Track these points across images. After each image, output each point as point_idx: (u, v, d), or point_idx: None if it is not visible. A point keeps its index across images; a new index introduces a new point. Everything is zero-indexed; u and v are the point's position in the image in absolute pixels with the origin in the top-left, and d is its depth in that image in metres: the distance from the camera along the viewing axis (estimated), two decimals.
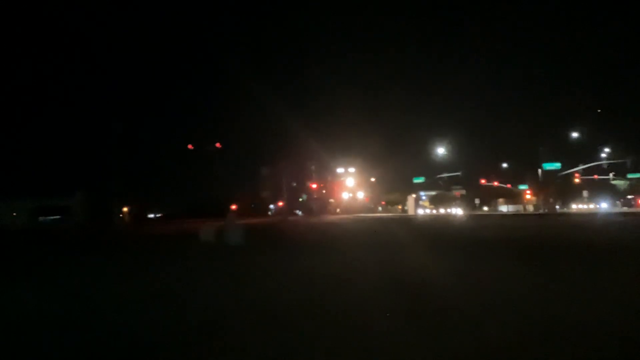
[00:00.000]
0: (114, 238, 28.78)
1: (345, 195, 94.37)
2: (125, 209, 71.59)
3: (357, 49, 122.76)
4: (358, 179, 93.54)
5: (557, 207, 76.80)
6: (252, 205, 79.53)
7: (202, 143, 69.91)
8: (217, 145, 67.87)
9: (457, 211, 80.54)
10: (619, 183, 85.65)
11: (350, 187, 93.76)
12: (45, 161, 66.13)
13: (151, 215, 77.04)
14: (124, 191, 66.79)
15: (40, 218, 67.96)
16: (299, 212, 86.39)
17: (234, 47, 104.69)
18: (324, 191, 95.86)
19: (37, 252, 20.05)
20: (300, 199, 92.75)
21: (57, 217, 68.74)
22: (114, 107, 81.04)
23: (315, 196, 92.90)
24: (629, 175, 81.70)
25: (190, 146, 67.47)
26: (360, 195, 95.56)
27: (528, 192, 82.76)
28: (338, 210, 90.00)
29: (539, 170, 75.20)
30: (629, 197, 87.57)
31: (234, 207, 64.94)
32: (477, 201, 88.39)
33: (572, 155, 76.75)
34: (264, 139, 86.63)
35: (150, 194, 73.00)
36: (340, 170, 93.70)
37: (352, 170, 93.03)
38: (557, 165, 75.17)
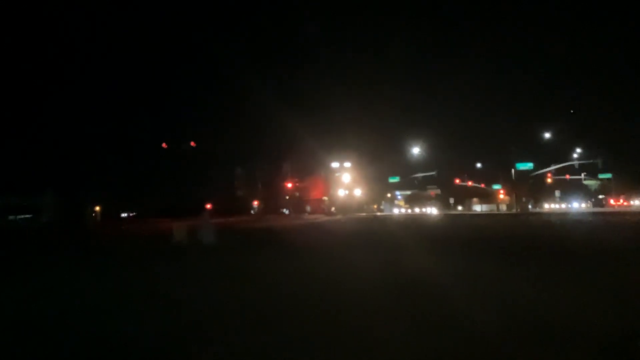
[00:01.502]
0: (84, 238, 28.39)
1: (341, 193, 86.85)
2: (97, 208, 70.61)
3: (339, 47, 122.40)
4: (355, 175, 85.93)
5: (530, 206, 77.84)
6: (234, 204, 77.57)
7: (177, 141, 69.39)
8: (192, 144, 67.39)
9: (432, 210, 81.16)
10: (591, 183, 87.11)
11: (346, 183, 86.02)
12: (15, 158, 64.63)
13: (124, 215, 76.06)
14: (96, 190, 65.89)
15: (10, 217, 66.63)
16: (286, 211, 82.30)
17: (215, 41, 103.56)
18: (315, 189, 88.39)
19: (6, 252, 19.75)
20: (288, 197, 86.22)
21: (28, 216, 67.44)
22: (86, 105, 79.50)
23: (302, 194, 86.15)
24: (600, 176, 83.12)
25: (164, 145, 66.89)
26: (358, 192, 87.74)
27: (501, 191, 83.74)
28: (333, 209, 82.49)
29: (512, 171, 76.14)
30: (600, 196, 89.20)
31: (208, 206, 64.43)
32: (451, 201, 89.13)
33: (545, 155, 77.96)
34: (246, 136, 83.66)
35: (124, 192, 72.04)
36: (335, 165, 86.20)
37: (348, 165, 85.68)
38: (529, 166, 76.22)
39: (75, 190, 66.03)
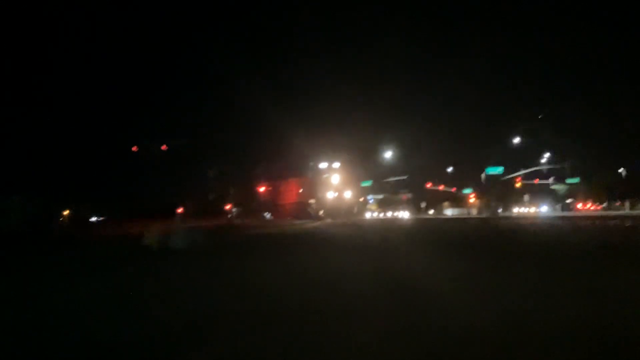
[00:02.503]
0: (51, 243, 27.95)
1: (330, 195, 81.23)
2: (66, 212, 69.39)
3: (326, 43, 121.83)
4: (344, 177, 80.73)
5: (499, 210, 78.96)
6: (209, 207, 74.74)
7: (149, 145, 68.53)
8: (163, 147, 66.64)
9: (404, 214, 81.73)
10: (559, 187, 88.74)
11: (335, 185, 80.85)
12: None
13: (94, 219, 74.88)
14: (64, 193, 64.74)
15: None
16: (268, 215, 77.14)
17: (188, 37, 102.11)
18: (300, 190, 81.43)
19: None
20: (269, 200, 79.75)
21: None
22: (53, 104, 77.84)
23: (285, 197, 78.64)
24: (568, 180, 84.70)
25: (134, 148, 66.03)
26: (348, 194, 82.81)
27: (472, 196, 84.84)
28: (321, 212, 76.76)
29: (482, 175, 77.24)
30: (568, 201, 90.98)
31: (180, 210, 63.85)
32: (423, 204, 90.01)
33: (515, 160, 79.19)
34: (223, 137, 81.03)
35: (93, 196, 70.91)
36: (322, 165, 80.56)
37: (336, 165, 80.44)
38: (499, 170, 77.41)
39: (42, 193, 64.75)
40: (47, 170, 66.20)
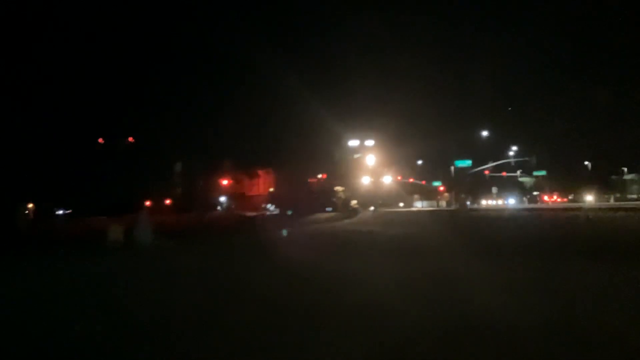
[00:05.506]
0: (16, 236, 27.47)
1: (366, 181, 64.95)
2: (30, 205, 67.97)
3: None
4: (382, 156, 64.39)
5: (468, 202, 79.83)
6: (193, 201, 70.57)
7: (115, 137, 67.51)
8: (130, 139, 65.69)
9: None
10: (526, 180, 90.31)
11: (370, 168, 64.96)
12: None
13: (60, 212, 73.53)
14: (28, 186, 63.36)
15: None
16: (271, 208, 65.31)
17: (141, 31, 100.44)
18: (319, 177, 66.65)
19: None
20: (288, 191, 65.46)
21: None
22: (14, 96, 75.82)
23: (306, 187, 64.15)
24: (535, 173, 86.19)
25: (100, 140, 64.96)
26: (388, 179, 68.91)
27: (441, 188, 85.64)
28: (354, 203, 58.86)
29: (452, 168, 77.97)
30: (535, 193, 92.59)
31: (148, 203, 63.18)
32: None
33: (483, 153, 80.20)
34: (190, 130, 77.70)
35: (59, 189, 69.61)
36: (353, 143, 64.97)
37: (370, 143, 64.77)
38: (468, 163, 78.25)
39: (4, 186, 63.29)
40: (11, 163, 64.70)
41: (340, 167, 66.14)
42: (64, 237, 26.06)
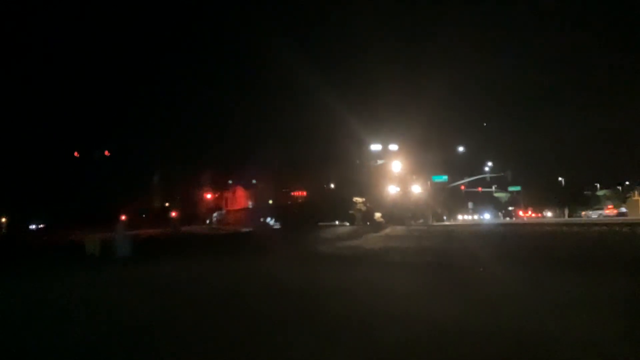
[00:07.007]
0: None
1: (392, 190, 56.31)
2: (3, 220, 67.00)
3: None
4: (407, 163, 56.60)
5: (444, 217, 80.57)
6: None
7: (91, 150, 66.98)
8: (106, 153, 65.23)
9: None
10: (501, 195, 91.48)
11: (396, 175, 56.18)
12: None
13: (33, 227, 72.45)
14: (1, 199, 62.46)
15: None
16: (271, 221, 60.39)
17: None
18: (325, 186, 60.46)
19: None
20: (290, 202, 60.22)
21: None
22: None
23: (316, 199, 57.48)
24: (510, 188, 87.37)
25: (76, 154, 64.39)
26: (417, 189, 61.14)
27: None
28: (378, 216, 47.96)
29: (428, 183, 78.62)
30: (510, 208, 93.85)
31: (123, 217, 62.51)
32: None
33: (459, 168, 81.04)
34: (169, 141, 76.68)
35: (32, 202, 68.62)
36: (375, 148, 57.61)
37: (394, 148, 57.52)
38: (444, 178, 78.98)
39: None
40: None
41: (359, 175, 58.48)
42: (39, 250, 25.74)
